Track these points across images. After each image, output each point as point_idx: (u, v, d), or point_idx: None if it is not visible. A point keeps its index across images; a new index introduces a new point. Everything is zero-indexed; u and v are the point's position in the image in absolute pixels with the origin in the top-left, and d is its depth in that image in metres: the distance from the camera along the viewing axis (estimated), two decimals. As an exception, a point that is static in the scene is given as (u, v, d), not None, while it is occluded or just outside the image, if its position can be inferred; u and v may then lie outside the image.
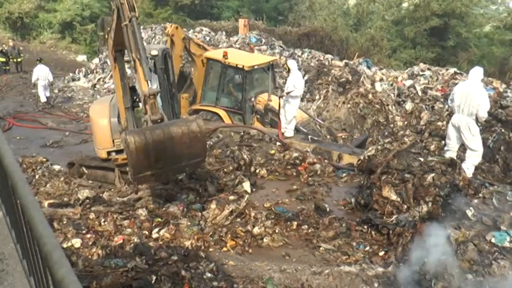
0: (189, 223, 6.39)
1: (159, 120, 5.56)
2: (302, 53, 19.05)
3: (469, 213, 5.38)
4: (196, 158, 5.83)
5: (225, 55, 11.23)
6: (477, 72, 7.94)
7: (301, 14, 26.04)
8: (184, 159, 5.68)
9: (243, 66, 11.06)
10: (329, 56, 18.69)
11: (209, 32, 22.65)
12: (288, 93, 9.83)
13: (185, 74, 12.72)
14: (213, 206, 6.83)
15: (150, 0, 31.59)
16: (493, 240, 4.87)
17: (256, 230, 6.44)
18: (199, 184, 7.40)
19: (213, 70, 11.77)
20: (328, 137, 11.21)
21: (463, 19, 22.06)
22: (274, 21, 27.61)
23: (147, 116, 5.62)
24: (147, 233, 6.19)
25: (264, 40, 20.27)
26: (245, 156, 8.68)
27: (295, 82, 9.82)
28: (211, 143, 9.09)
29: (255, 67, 11.29)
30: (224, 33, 22.30)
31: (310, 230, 6.66)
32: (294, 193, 7.80)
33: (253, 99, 11.34)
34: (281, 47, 20.03)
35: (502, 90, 14.17)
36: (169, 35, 11.32)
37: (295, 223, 6.74)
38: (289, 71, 10.08)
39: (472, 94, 7.61)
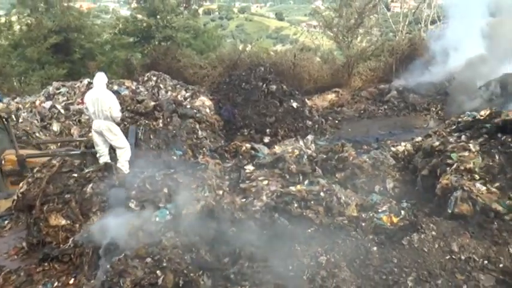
0: None
1: None
2: None
3: (132, 205, 5.73)
4: None
5: None
6: (100, 78, 8.40)
7: None
8: None
9: None
10: None
11: None
12: None
13: None
14: None
15: None
16: (157, 219, 5.37)
17: None
18: None
19: None
20: None
21: (81, 31, 22.61)
22: None
23: None
24: None
25: None
26: None
27: None
28: None
29: None
30: None
31: (-16, 301, 5.87)
32: None
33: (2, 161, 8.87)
34: None
35: (134, 87, 15.51)
36: None
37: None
38: None
39: (101, 99, 8.01)
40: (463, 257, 5.07)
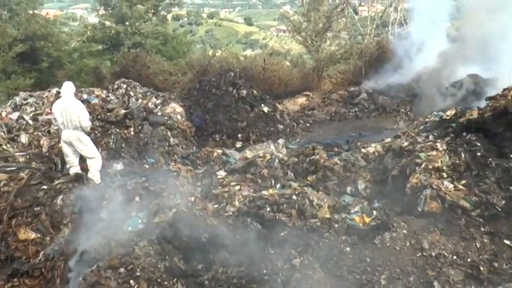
0: None
1: None
2: None
3: (104, 215, 5.66)
4: None
5: None
6: (68, 87, 8.26)
7: None
8: None
9: None
10: None
11: None
12: None
13: None
14: None
15: None
16: (130, 228, 5.31)
17: None
18: None
19: None
20: None
21: (48, 39, 22.15)
22: None
23: None
24: None
25: None
26: None
27: None
28: None
29: None
30: None
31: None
32: None
33: None
34: None
35: (104, 96, 15.25)
36: None
37: None
38: None
39: (69, 109, 7.87)
40: (433, 254, 5.19)
